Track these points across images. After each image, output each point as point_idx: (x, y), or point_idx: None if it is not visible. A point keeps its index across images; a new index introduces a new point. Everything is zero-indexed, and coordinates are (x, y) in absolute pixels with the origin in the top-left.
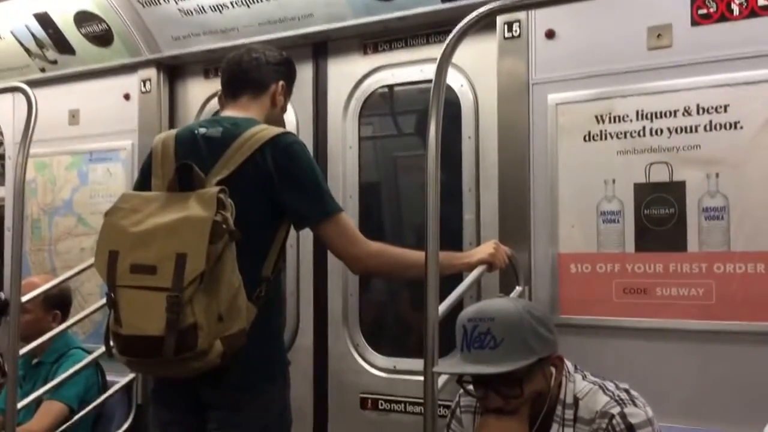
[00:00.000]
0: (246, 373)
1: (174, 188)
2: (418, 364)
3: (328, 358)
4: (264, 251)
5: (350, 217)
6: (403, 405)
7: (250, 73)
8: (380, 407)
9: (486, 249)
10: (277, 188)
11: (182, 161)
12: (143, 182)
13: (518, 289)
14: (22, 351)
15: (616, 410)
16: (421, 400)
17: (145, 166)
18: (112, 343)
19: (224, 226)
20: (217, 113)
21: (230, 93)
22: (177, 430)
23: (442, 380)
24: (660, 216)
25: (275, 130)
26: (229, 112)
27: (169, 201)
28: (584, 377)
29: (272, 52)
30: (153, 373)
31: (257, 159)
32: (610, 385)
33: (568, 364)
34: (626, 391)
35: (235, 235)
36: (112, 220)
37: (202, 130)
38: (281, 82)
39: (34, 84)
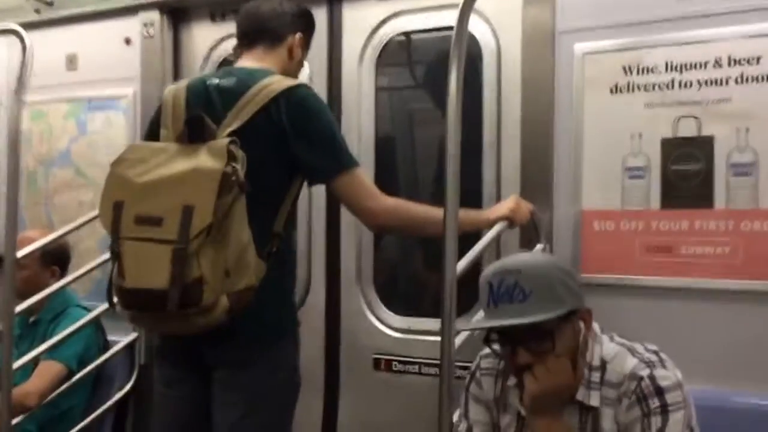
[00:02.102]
0: (254, 332)
1: (184, 140)
2: (434, 324)
3: (340, 318)
4: (276, 205)
5: (366, 170)
6: (417, 366)
7: (266, 23)
8: (394, 368)
9: (507, 204)
10: (290, 142)
11: (193, 113)
12: (151, 134)
13: (539, 246)
14: (19, 308)
15: (645, 372)
16: (437, 362)
17: (155, 117)
18: (114, 298)
19: (234, 178)
20: (224, 63)
21: (246, 43)
22: (182, 388)
23: (459, 340)
24: (687, 172)
25: (290, 82)
26: (244, 63)
27: (178, 152)
28: (611, 339)
29: (289, 3)
30: (157, 328)
31: (271, 111)
32: (639, 348)
33: (595, 326)
34: (655, 353)
35: (245, 187)
36: (118, 170)
37: (215, 81)
38: (299, 34)
39: (29, 27)
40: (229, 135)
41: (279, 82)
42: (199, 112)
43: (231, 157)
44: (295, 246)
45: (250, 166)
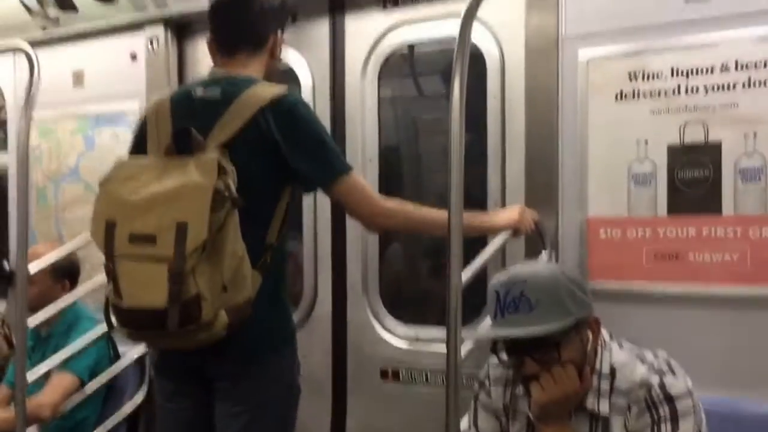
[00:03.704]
0: (251, 344)
1: (171, 154)
2: (441, 333)
3: (347, 328)
4: (267, 217)
5: (370, 182)
6: (424, 375)
7: (248, 27)
8: (401, 378)
9: (511, 213)
10: (282, 153)
11: (179, 125)
12: (137, 149)
13: (545, 254)
14: (33, 322)
15: (655, 380)
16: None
17: (139, 131)
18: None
19: (227, 193)
20: None
21: (226, 48)
22: (182, 401)
23: (465, 350)
24: (694, 178)
25: (276, 91)
26: (226, 70)
27: (167, 167)
28: (621, 346)
29: None
30: (156, 345)
31: (259, 122)
32: (649, 355)
33: (604, 333)
34: (665, 360)
35: (238, 202)
36: (109, 188)
37: (200, 92)
38: (279, 32)
39: (35, 44)
40: (218, 148)
41: (265, 91)
42: (186, 125)
43: (221, 171)
44: (287, 256)
45: (240, 178)
